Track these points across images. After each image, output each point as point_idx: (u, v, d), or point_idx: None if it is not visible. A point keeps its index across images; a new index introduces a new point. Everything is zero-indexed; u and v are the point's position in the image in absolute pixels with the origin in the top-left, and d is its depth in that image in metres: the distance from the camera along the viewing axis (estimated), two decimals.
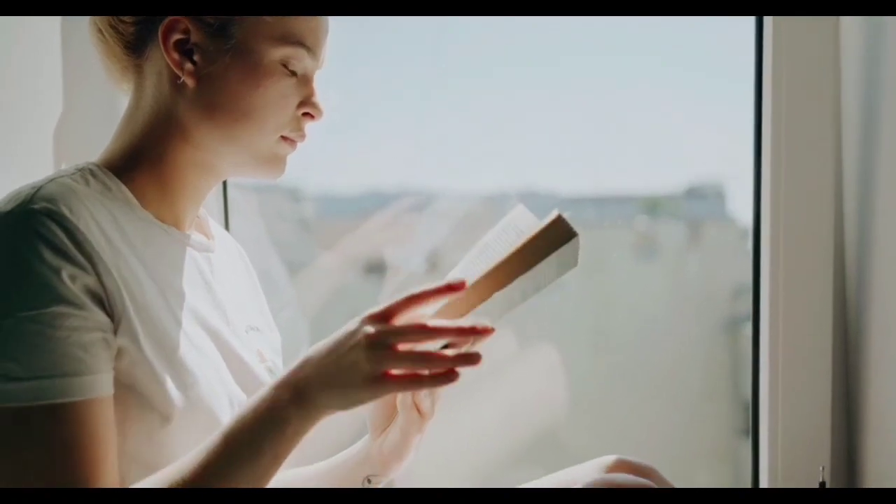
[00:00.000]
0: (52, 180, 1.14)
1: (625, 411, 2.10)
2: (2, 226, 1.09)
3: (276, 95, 1.22)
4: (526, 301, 1.30)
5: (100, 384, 1.08)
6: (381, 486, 1.42)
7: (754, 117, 1.79)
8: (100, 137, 1.33)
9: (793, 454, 1.70)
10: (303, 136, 1.27)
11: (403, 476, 1.44)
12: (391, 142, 2.18)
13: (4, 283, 1.06)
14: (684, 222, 2.24)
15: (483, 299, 1.14)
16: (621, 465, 1.36)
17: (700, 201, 2.26)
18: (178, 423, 1.14)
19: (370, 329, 1.04)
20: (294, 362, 1.10)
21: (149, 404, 1.12)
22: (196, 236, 1.30)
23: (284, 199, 2.18)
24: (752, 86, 1.86)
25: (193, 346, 1.18)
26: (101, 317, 1.08)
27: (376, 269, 2.26)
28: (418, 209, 2.11)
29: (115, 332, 1.10)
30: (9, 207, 1.10)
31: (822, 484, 1.56)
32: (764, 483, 1.73)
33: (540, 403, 1.96)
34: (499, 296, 1.15)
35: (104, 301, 1.09)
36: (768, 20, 1.73)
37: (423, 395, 1.32)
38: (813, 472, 1.67)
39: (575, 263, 1.27)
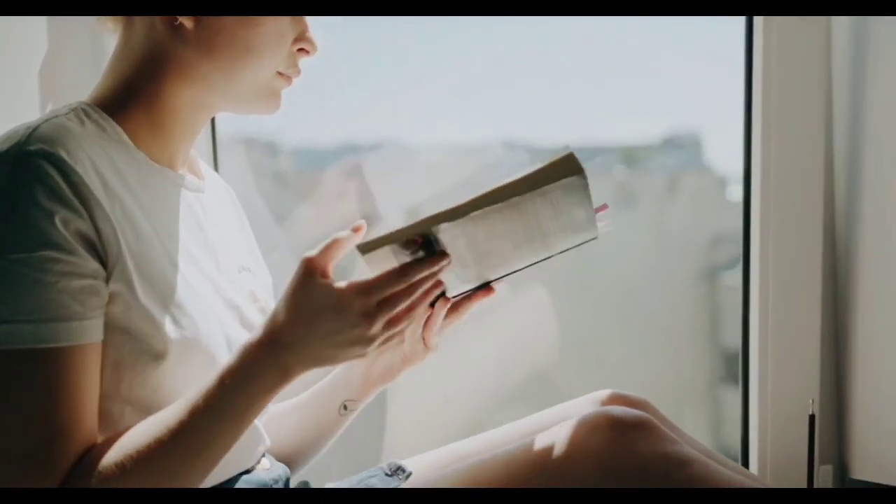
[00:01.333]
0: (47, 120, 1.11)
1: (604, 359, 2.12)
2: None
3: (274, 32, 1.21)
4: (534, 255, 1.29)
5: (85, 331, 1.06)
6: (356, 412, 1.43)
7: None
8: (86, 77, 1.30)
9: (782, 388, 1.72)
10: (298, 72, 1.26)
11: (396, 418, 1.44)
12: (368, 94, 2.17)
13: None
14: (662, 172, 2.25)
15: (477, 208, 1.14)
16: (615, 399, 1.37)
17: (678, 151, 2.27)
18: (174, 364, 1.13)
19: (361, 307, 1.09)
20: (266, 324, 1.11)
21: (145, 347, 1.11)
22: (189, 177, 1.28)
23: (262, 153, 2.17)
24: (726, 33, 1.87)
25: (189, 288, 1.17)
26: (92, 263, 1.06)
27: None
28: (397, 161, 2.10)
29: (109, 277, 1.09)
30: (4, 148, 1.07)
31: (812, 417, 1.58)
32: (753, 417, 1.75)
33: (527, 347, 1.96)
34: (495, 216, 1.14)
35: (97, 246, 1.07)
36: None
37: (430, 335, 1.32)
38: (802, 405, 1.69)
39: (593, 228, 1.27)
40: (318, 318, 1.08)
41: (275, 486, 1.28)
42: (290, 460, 1.43)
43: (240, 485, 1.23)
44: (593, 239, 1.30)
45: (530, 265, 1.31)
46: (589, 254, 2.14)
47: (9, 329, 1.02)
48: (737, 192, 2.31)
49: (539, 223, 1.20)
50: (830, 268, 1.73)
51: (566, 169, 1.15)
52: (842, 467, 1.74)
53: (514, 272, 1.32)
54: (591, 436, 1.13)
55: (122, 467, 1.03)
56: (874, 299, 1.64)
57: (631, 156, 2.24)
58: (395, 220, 2.17)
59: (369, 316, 1.08)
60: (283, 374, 1.09)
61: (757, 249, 1.71)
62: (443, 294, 1.29)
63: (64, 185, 1.05)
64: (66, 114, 1.15)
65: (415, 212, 2.08)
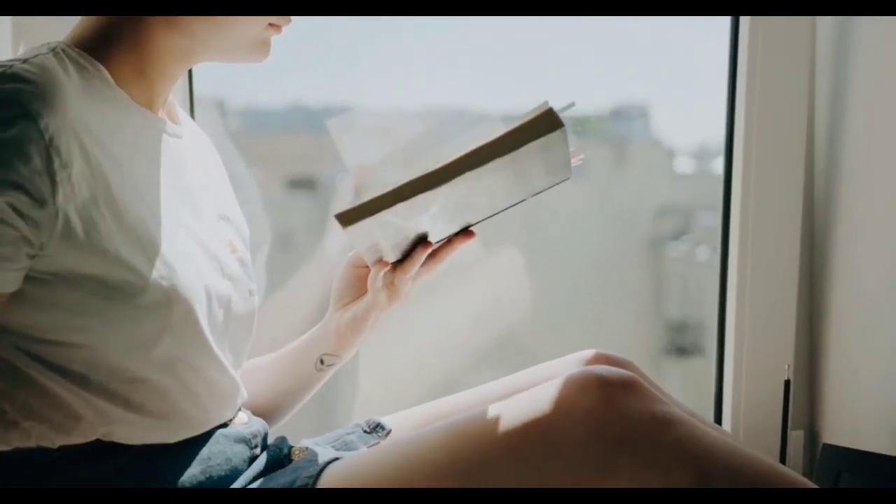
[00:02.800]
0: (26, 61, 1.07)
1: (549, 328, 2.12)
2: None
3: None
4: (512, 199, 1.30)
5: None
6: (334, 367, 1.42)
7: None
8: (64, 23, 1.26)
9: (757, 353, 1.75)
10: (288, 21, 1.23)
11: (368, 377, 1.43)
12: (318, 56, 2.14)
13: None
14: (610, 142, 2.26)
15: (457, 174, 1.14)
16: (600, 359, 1.38)
17: (625, 122, 2.28)
18: (152, 314, 1.10)
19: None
20: None
21: (122, 297, 1.08)
22: (167, 121, 1.25)
23: (212, 112, 2.13)
24: None
25: (168, 236, 1.13)
26: (19, 223, 1.02)
27: (301, 184, 2.23)
28: (345, 125, 2.08)
29: (78, 234, 1.05)
30: None
31: (787, 382, 1.60)
32: (728, 381, 1.77)
33: (498, 309, 1.96)
34: (475, 177, 1.15)
35: (56, 203, 1.02)
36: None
37: (406, 279, 1.31)
38: (776, 370, 1.71)
39: (567, 171, 1.28)
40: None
41: (253, 440, 1.26)
42: (266, 415, 1.41)
43: (218, 439, 1.21)
44: (566, 179, 1.32)
45: (508, 208, 1.33)
46: (533, 223, 2.16)
47: None
48: (684, 165, 2.33)
49: (518, 175, 1.21)
50: (808, 236, 1.75)
51: (546, 125, 1.15)
52: (812, 433, 1.77)
53: (493, 215, 1.34)
54: (579, 395, 1.13)
55: None
56: (850, 267, 1.68)
57: (579, 125, 2.25)
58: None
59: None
60: None
61: (737, 216, 1.73)
62: (424, 239, 1.29)
63: (31, 138, 1.01)
64: (46, 54, 1.10)
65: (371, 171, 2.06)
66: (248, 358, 1.36)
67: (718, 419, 1.82)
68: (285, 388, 1.44)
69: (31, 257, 1.04)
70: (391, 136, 2.06)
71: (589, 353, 1.39)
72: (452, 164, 1.15)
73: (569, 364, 1.38)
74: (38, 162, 1.01)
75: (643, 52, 2.17)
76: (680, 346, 2.30)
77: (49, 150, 1.02)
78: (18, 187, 1.00)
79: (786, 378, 1.63)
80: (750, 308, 1.74)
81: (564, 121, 1.17)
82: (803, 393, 1.78)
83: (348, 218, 1.17)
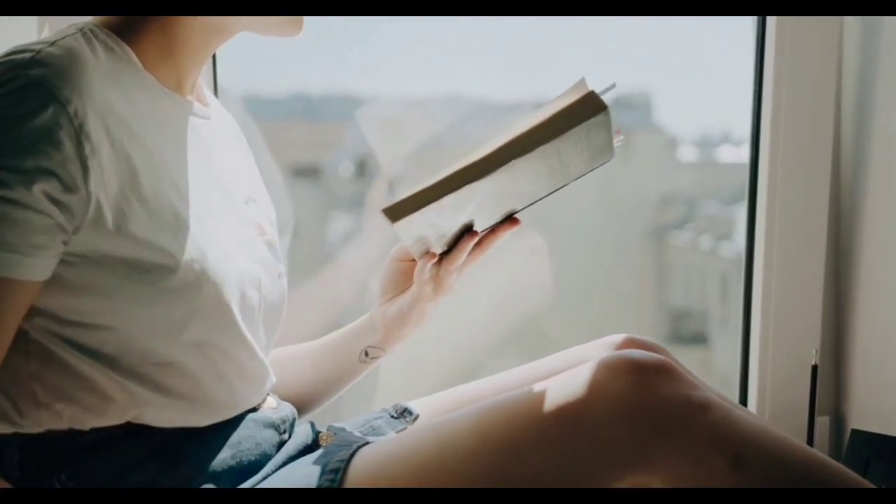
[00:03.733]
0: (53, 43, 1.05)
1: (553, 316, 2.12)
2: None
3: None
4: (555, 184, 1.29)
5: (18, 265, 1.00)
6: (378, 360, 1.41)
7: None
8: None
9: (783, 338, 1.74)
10: None
11: (389, 363, 1.42)
12: (319, 44, 2.13)
13: None
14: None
15: (505, 162, 1.13)
16: (630, 343, 1.37)
17: (627, 111, 2.28)
18: (180, 298, 1.09)
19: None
20: None
21: (150, 280, 1.07)
22: (196, 104, 1.23)
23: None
24: None
25: (197, 219, 1.12)
26: (51, 209, 1.00)
27: (304, 173, 2.22)
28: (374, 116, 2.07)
29: (98, 220, 1.03)
30: (2, 69, 1.01)
31: (815, 367, 1.60)
32: (753, 366, 1.76)
33: (520, 293, 1.96)
34: (522, 163, 1.14)
35: (89, 188, 1.01)
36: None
37: (452, 270, 1.30)
38: (803, 355, 1.71)
39: (610, 151, 1.27)
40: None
41: (282, 426, 1.25)
42: (302, 404, 1.40)
43: (247, 424, 1.19)
44: (608, 161, 1.30)
45: (550, 193, 1.31)
46: (536, 211, 2.16)
47: None
48: (686, 153, 2.34)
49: (562, 160, 1.20)
50: (834, 220, 1.75)
51: (591, 108, 1.13)
52: (839, 418, 1.77)
53: (536, 202, 1.32)
54: (612, 379, 1.12)
55: None
56: (877, 251, 1.67)
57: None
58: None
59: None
60: None
61: (764, 200, 1.72)
62: (469, 228, 1.28)
63: (60, 122, 0.99)
64: (74, 34, 1.08)
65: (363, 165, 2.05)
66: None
67: (744, 405, 1.81)
68: (326, 380, 1.42)
69: (65, 243, 1.02)
70: (417, 127, 2.05)
71: (619, 337, 1.38)
72: (499, 152, 1.14)
73: (599, 348, 1.37)
74: (69, 148, 0.99)
75: (645, 41, 2.17)
76: (684, 334, 2.31)
77: (79, 136, 1.00)
78: (51, 174, 0.99)
79: (813, 363, 1.63)
80: (776, 293, 1.73)
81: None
82: (830, 378, 1.77)
83: (396, 213, 1.15)
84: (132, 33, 1.13)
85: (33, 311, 1.05)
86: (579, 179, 1.32)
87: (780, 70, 1.70)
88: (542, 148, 1.13)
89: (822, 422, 1.74)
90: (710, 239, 2.34)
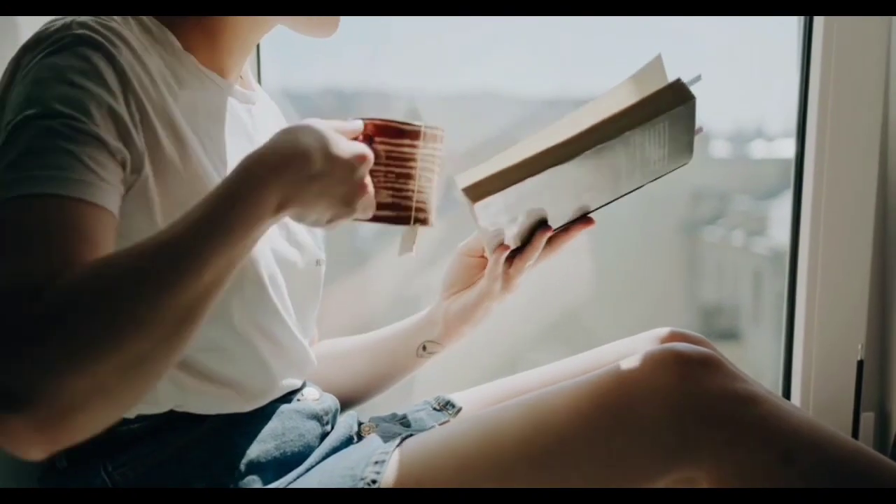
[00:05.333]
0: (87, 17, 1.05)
1: (590, 310, 2.11)
2: (34, 47, 1.00)
3: None
4: (633, 183, 1.27)
5: (102, 193, 0.95)
6: (435, 356, 1.40)
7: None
8: None
9: (828, 332, 1.72)
10: None
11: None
12: (352, 39, 2.12)
13: (23, 94, 0.97)
14: None
15: (590, 146, 1.11)
16: (676, 336, 1.36)
17: None
18: None
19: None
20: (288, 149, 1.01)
21: None
22: (237, 88, 1.23)
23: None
24: None
25: None
26: (118, 144, 0.99)
27: None
28: (379, 109, 2.07)
29: (138, 167, 1.02)
30: (46, 29, 1.01)
31: (860, 362, 1.58)
32: (797, 361, 1.75)
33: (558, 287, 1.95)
34: (606, 151, 1.13)
35: (130, 132, 1.00)
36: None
37: (524, 267, 1.29)
38: (847, 350, 1.69)
39: (689, 151, 1.25)
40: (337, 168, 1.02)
41: (325, 417, 1.25)
42: (354, 395, 1.40)
43: (290, 416, 1.19)
44: (686, 164, 1.28)
45: (627, 193, 1.29)
46: None
47: (25, 175, 0.92)
48: (719, 149, 2.33)
49: (644, 153, 1.18)
50: (881, 214, 1.73)
51: (678, 96, 1.13)
52: (883, 415, 1.75)
53: (611, 201, 1.30)
54: (659, 372, 1.11)
55: (100, 274, 0.88)
56: None
57: None
58: None
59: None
60: (276, 208, 0.98)
61: (810, 193, 1.71)
62: (543, 224, 1.27)
63: (104, 67, 0.99)
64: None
65: None
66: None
67: (787, 399, 1.80)
68: (381, 373, 1.42)
69: (125, 185, 1.01)
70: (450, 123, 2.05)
71: (664, 330, 1.38)
72: (584, 135, 1.12)
73: (644, 342, 1.37)
74: (121, 101, 1.00)
75: (677, 35, 2.16)
76: (716, 330, 2.30)
77: (126, 93, 1.01)
78: (110, 118, 0.99)
79: (858, 358, 1.61)
80: (821, 287, 1.71)
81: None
82: (875, 373, 1.75)
83: (478, 192, 1.13)
84: (174, 17, 1.14)
85: None
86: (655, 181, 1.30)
87: (826, 68, 1.69)
88: (628, 134, 1.12)
89: (867, 418, 1.72)
90: (743, 234, 2.33)
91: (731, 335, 2.31)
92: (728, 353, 2.32)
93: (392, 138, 1.12)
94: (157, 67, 1.08)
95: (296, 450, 1.19)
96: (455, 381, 1.54)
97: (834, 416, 1.70)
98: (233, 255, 0.93)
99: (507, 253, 1.28)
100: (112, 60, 1.01)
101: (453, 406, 1.35)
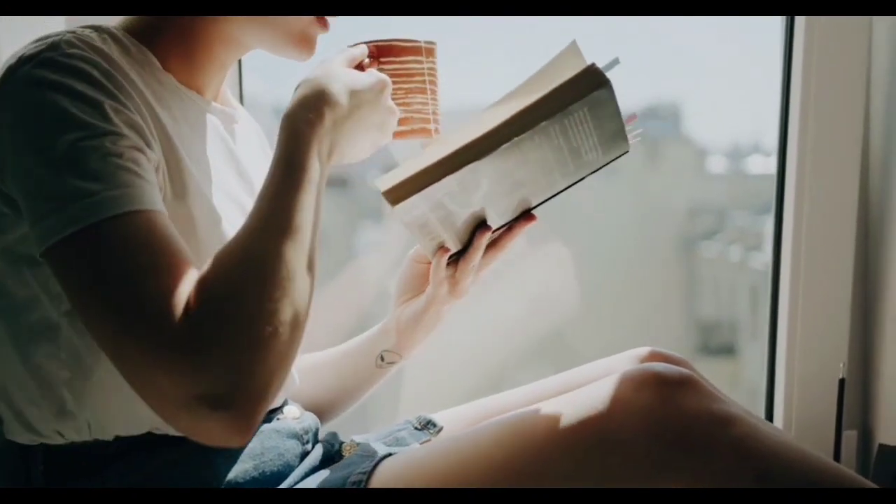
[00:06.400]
0: (67, 32, 1.05)
1: (585, 326, 2.11)
2: (30, 71, 0.99)
3: None
4: (570, 177, 1.25)
5: (156, 199, 0.99)
6: (395, 366, 1.40)
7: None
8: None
9: (810, 351, 1.72)
10: (335, 19, 1.22)
11: (413, 374, 1.42)
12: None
13: (42, 124, 0.97)
14: (642, 142, 2.25)
15: (504, 141, 1.11)
16: (655, 356, 1.36)
17: (657, 121, 2.28)
18: None
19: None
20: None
21: None
22: (217, 105, 1.24)
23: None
24: None
25: (221, 216, 1.13)
26: (142, 144, 1.01)
27: (332, 182, 2.21)
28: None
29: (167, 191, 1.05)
30: (31, 52, 1.01)
31: (842, 381, 1.58)
32: (780, 379, 1.75)
33: (544, 306, 1.95)
34: (526, 143, 1.12)
35: (145, 135, 1.02)
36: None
37: (468, 269, 1.30)
38: (830, 368, 1.69)
39: (623, 142, 1.23)
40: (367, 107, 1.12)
41: (305, 436, 1.25)
42: (324, 411, 1.40)
43: (270, 435, 1.20)
44: (625, 153, 1.26)
45: (568, 187, 1.28)
46: (566, 221, 2.15)
47: (95, 201, 0.94)
48: (716, 164, 2.33)
49: (571, 144, 1.17)
50: (863, 232, 1.73)
51: (592, 82, 1.11)
52: (866, 433, 1.75)
53: (553, 196, 1.29)
54: (636, 392, 1.11)
55: (226, 271, 0.95)
56: None
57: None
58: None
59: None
60: (328, 156, 1.07)
61: (791, 211, 1.71)
62: (482, 224, 1.27)
63: (102, 79, 1.00)
64: (89, 31, 1.09)
65: None
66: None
67: (769, 418, 1.80)
68: (347, 386, 1.43)
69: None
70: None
71: (644, 350, 1.38)
72: (499, 129, 1.11)
73: (623, 361, 1.37)
74: (113, 103, 1.00)
75: (675, 52, 2.16)
76: (713, 345, 2.30)
77: (131, 104, 1.03)
78: (134, 126, 1.01)
79: (840, 377, 1.61)
80: (803, 305, 1.71)
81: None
82: (857, 392, 1.75)
83: (396, 194, 1.14)
84: (152, 38, 1.15)
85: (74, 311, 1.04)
86: (597, 173, 1.28)
87: (808, 76, 1.69)
88: (545, 124, 1.11)
89: (850, 436, 1.72)
90: (740, 250, 2.32)
91: (728, 350, 2.30)
92: (725, 368, 2.33)
93: (397, 56, 1.21)
94: (145, 85, 1.09)
95: (275, 469, 1.19)
96: (442, 400, 1.54)
97: (817, 434, 1.70)
98: (316, 203, 1.02)
99: (447, 256, 1.29)
100: (109, 76, 1.02)
101: (434, 425, 1.35)
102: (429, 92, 1.22)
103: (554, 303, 1.93)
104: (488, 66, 2.13)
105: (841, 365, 1.64)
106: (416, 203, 1.15)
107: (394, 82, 1.19)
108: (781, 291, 1.75)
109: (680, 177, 2.27)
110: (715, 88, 2.14)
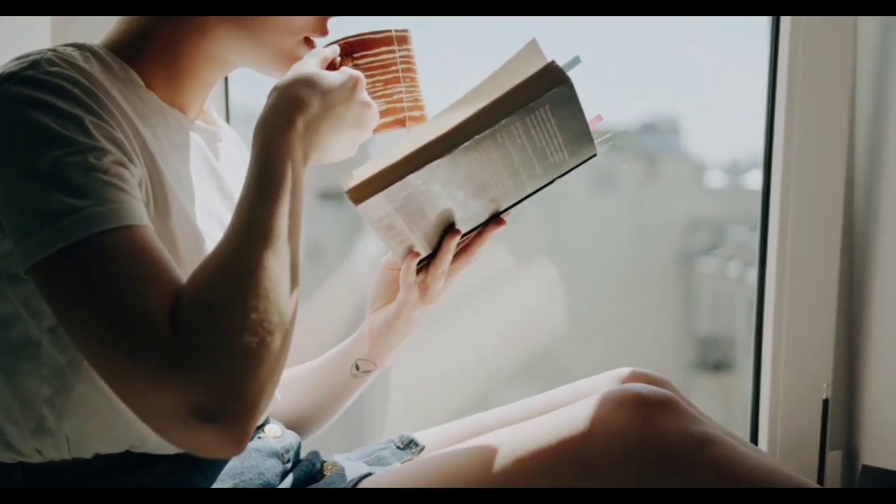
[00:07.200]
0: (49, 50, 1.05)
1: (580, 343, 2.11)
2: (11, 89, 1.00)
3: None
4: (538, 180, 1.25)
5: (143, 215, 1.00)
6: (370, 374, 1.40)
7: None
8: (102, 22, 1.25)
9: (794, 371, 1.72)
10: (326, 34, 1.23)
11: (399, 392, 1.42)
12: None
13: (25, 141, 0.97)
14: (641, 156, 2.25)
15: (465, 139, 1.11)
16: (637, 377, 1.36)
17: (656, 136, 2.27)
18: None
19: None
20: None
21: None
22: (200, 123, 1.24)
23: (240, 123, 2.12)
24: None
25: (203, 233, 1.13)
26: (124, 159, 1.01)
27: (331, 196, 2.22)
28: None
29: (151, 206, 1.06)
30: (12, 70, 1.01)
31: (826, 401, 1.58)
32: (764, 400, 1.75)
33: (532, 324, 1.95)
34: (487, 142, 1.12)
35: (127, 151, 1.02)
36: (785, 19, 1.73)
37: (438, 273, 1.30)
38: (814, 389, 1.69)
39: (589, 144, 1.22)
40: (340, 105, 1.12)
41: (285, 455, 1.25)
42: (302, 425, 1.40)
43: (250, 454, 1.20)
44: (593, 156, 1.25)
45: (536, 191, 1.27)
46: (565, 236, 2.15)
47: (82, 216, 0.94)
48: (715, 179, 2.32)
49: (535, 144, 1.17)
50: (848, 252, 1.72)
51: (551, 79, 1.11)
52: (850, 453, 1.75)
53: (522, 200, 1.29)
54: (617, 413, 1.11)
55: (209, 283, 0.96)
56: (891, 284, 1.65)
57: (610, 139, 2.23)
58: None
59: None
60: (304, 159, 1.07)
61: (776, 231, 1.70)
62: (451, 228, 1.26)
63: (83, 96, 1.01)
64: (71, 48, 1.10)
65: None
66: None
67: (754, 438, 1.80)
68: (324, 398, 1.42)
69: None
70: None
71: (625, 370, 1.38)
72: (457, 128, 1.12)
73: (605, 381, 1.37)
74: (93, 119, 1.01)
75: (674, 66, 2.16)
76: (711, 361, 2.29)
77: (114, 120, 1.03)
78: (116, 143, 1.01)
79: (824, 397, 1.61)
80: (787, 325, 1.71)
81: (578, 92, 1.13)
82: (842, 412, 1.75)
83: (359, 193, 1.14)
84: (136, 56, 1.15)
85: (55, 327, 1.05)
86: (566, 176, 1.27)
87: (792, 84, 1.69)
88: (505, 122, 1.11)
89: (834, 457, 1.72)
90: (738, 265, 2.32)
91: (726, 366, 2.30)
92: (723, 383, 2.32)
93: (369, 50, 1.21)
94: (127, 103, 1.09)
95: (255, 488, 1.19)
96: (431, 417, 1.54)
97: (801, 454, 1.70)
98: (295, 208, 1.03)
99: (416, 260, 1.29)
100: (90, 93, 1.02)
101: (416, 444, 1.35)
102: (404, 80, 1.22)
103: (547, 319, 1.93)
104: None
105: (825, 385, 1.64)
106: (380, 202, 1.15)
107: (370, 75, 1.20)
108: (766, 312, 1.75)
109: (678, 192, 2.27)
110: (714, 103, 2.14)
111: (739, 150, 2.32)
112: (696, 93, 2.19)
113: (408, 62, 1.24)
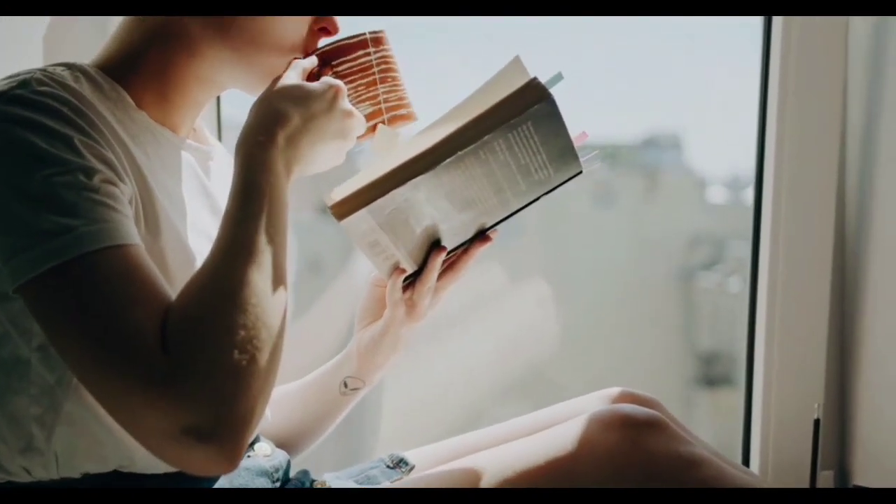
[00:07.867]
0: (38, 70, 1.06)
1: (578, 359, 2.11)
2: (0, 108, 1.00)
3: (294, 16, 1.18)
4: (523, 196, 1.25)
5: (133, 233, 1.01)
6: (359, 392, 1.40)
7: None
8: (93, 42, 1.26)
9: (786, 391, 1.72)
10: (314, 62, 1.23)
11: (392, 409, 1.42)
12: None
13: (14, 160, 0.98)
14: (641, 171, 2.25)
15: (447, 156, 1.12)
16: (626, 397, 1.36)
17: (657, 151, 2.27)
18: None
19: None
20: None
21: None
22: (192, 142, 1.25)
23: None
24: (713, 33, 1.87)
25: (194, 252, 1.13)
26: (114, 178, 1.02)
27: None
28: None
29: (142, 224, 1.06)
30: (2, 89, 1.02)
31: (817, 421, 1.58)
32: (756, 419, 1.74)
33: (524, 342, 1.95)
34: (470, 158, 1.13)
35: (117, 170, 1.03)
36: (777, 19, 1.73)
37: (424, 290, 1.30)
38: (806, 408, 1.69)
39: (574, 161, 1.22)
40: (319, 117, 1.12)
41: (275, 474, 1.25)
42: (291, 443, 1.41)
43: (239, 473, 1.20)
44: (579, 174, 1.26)
45: (522, 208, 1.28)
46: (565, 252, 2.15)
47: (73, 236, 0.95)
48: (715, 194, 2.32)
49: (518, 161, 1.17)
50: (839, 271, 1.72)
51: (533, 96, 1.11)
52: (842, 473, 1.74)
53: (507, 217, 1.29)
54: (604, 434, 1.12)
55: (195, 300, 0.97)
56: (882, 304, 1.65)
57: (611, 154, 2.24)
58: None
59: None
60: (287, 173, 1.08)
61: (767, 250, 1.70)
62: (437, 244, 1.26)
63: (72, 115, 1.01)
64: (61, 68, 1.10)
65: None
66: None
67: (746, 458, 1.80)
68: (313, 416, 1.43)
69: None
70: None
71: (615, 390, 1.38)
72: (440, 144, 1.12)
73: (594, 401, 1.37)
74: (83, 138, 1.01)
75: (675, 81, 2.16)
76: (711, 377, 2.28)
77: (103, 140, 1.04)
78: (106, 162, 1.02)
79: (815, 417, 1.61)
80: (779, 345, 1.71)
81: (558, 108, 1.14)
82: (833, 432, 1.75)
83: (342, 209, 1.15)
84: (126, 76, 1.16)
85: (44, 346, 1.05)
86: (553, 192, 1.28)
87: (785, 81, 1.69)
88: (487, 138, 1.11)
89: (826, 476, 1.71)
90: (739, 281, 2.31)
91: (726, 381, 2.29)
92: (724, 399, 2.31)
93: (347, 55, 1.21)
94: (117, 122, 1.10)
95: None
96: (424, 436, 1.54)
97: (793, 474, 1.70)
98: (279, 223, 1.04)
99: (402, 277, 1.29)
100: (79, 113, 1.03)
101: (406, 464, 1.35)
102: (385, 81, 1.22)
103: (543, 335, 1.93)
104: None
105: (816, 405, 1.64)
106: (364, 217, 1.15)
107: (351, 81, 1.21)
108: (757, 333, 1.75)
109: (679, 206, 2.26)
110: (715, 119, 2.13)
111: (740, 165, 2.32)
112: (697, 108, 2.18)
113: (386, 62, 1.24)
